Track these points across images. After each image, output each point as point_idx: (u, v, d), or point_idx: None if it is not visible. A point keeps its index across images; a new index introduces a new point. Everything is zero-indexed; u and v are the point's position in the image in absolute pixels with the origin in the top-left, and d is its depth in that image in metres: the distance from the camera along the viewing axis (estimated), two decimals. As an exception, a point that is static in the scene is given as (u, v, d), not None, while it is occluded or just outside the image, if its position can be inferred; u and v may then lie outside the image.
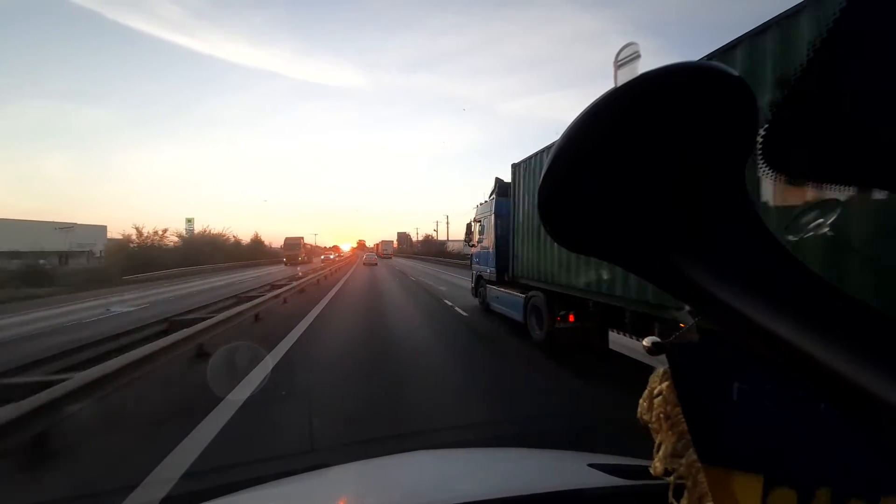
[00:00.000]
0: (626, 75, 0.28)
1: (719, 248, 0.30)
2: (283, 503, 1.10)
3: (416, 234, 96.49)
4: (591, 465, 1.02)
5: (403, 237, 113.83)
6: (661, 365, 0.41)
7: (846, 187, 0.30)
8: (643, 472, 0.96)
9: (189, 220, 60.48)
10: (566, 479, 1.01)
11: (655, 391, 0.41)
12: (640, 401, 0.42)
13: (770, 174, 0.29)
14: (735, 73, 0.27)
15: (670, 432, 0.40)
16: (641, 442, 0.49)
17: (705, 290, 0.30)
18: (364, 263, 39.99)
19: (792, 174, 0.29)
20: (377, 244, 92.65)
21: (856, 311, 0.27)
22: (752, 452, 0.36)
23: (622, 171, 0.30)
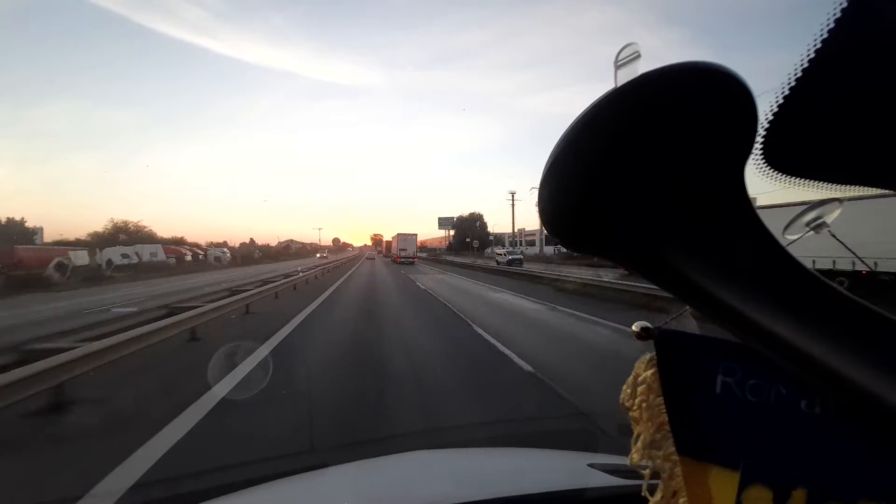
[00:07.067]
0: (626, 76, 0.28)
1: (719, 248, 0.30)
2: (283, 503, 1.10)
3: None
4: (591, 465, 1.02)
5: (462, 226, 63.74)
6: (649, 351, 0.40)
7: (846, 187, 0.30)
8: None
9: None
10: (566, 480, 1.01)
11: (640, 378, 0.40)
12: (624, 387, 0.41)
13: (770, 174, 0.29)
14: (734, 72, 0.27)
15: (650, 423, 0.39)
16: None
17: (705, 289, 0.30)
18: (367, 258, 41.63)
19: (792, 174, 0.29)
20: (388, 240, 60.51)
21: (855, 311, 0.27)
22: (730, 448, 0.35)
23: (622, 172, 0.31)
